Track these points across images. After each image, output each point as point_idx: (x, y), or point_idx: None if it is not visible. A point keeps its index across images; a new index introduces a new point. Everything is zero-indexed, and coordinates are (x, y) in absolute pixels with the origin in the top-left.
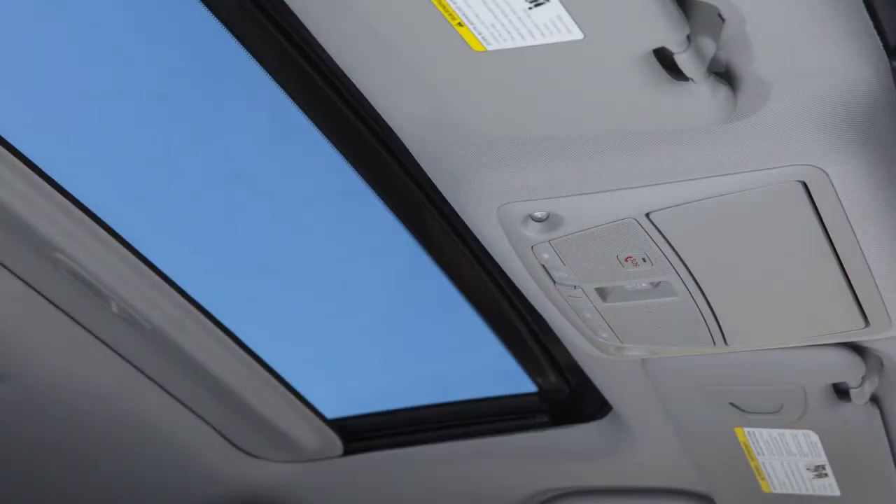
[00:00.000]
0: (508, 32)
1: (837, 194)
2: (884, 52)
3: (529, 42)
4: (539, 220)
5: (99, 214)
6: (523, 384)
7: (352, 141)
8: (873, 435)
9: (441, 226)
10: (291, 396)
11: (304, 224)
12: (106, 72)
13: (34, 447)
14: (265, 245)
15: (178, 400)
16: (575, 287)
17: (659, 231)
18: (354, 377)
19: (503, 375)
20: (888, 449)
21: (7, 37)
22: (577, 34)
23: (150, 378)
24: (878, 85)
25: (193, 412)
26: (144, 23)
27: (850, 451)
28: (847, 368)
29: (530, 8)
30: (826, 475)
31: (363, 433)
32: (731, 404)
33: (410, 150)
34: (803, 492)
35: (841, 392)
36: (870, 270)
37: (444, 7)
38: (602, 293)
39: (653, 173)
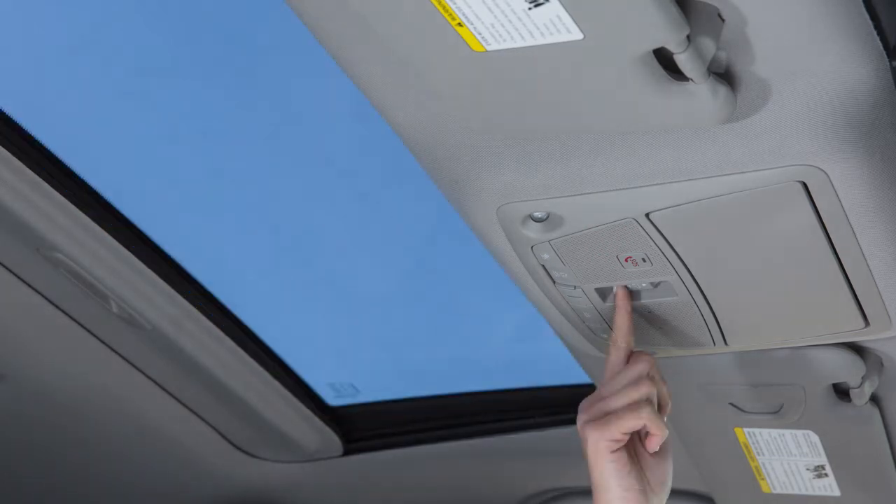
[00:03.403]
0: (508, 32)
1: (837, 194)
2: (884, 52)
3: (529, 42)
4: (539, 220)
5: (103, 203)
6: (523, 379)
7: None
8: (873, 435)
9: None
10: (291, 396)
11: (310, 215)
12: (109, 61)
13: (33, 447)
14: (270, 235)
15: (178, 400)
16: (575, 287)
17: (659, 231)
18: (357, 364)
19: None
20: (888, 449)
21: (8, 33)
22: (576, 34)
23: (150, 378)
24: (878, 85)
25: (193, 412)
26: (144, 17)
27: (850, 451)
28: (847, 368)
29: (530, 8)
30: (826, 475)
31: (363, 432)
32: (731, 404)
33: (410, 151)
34: (803, 492)
35: (841, 392)
36: (870, 271)
37: (443, 7)
38: (602, 293)
39: (653, 173)
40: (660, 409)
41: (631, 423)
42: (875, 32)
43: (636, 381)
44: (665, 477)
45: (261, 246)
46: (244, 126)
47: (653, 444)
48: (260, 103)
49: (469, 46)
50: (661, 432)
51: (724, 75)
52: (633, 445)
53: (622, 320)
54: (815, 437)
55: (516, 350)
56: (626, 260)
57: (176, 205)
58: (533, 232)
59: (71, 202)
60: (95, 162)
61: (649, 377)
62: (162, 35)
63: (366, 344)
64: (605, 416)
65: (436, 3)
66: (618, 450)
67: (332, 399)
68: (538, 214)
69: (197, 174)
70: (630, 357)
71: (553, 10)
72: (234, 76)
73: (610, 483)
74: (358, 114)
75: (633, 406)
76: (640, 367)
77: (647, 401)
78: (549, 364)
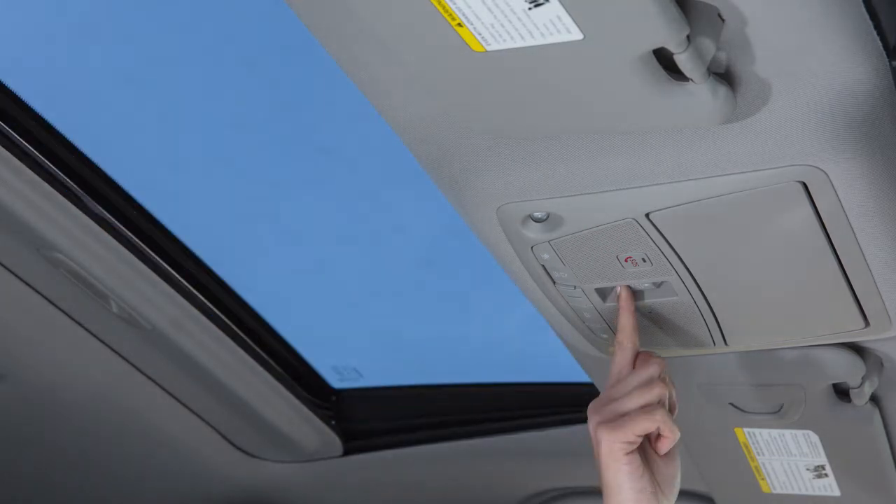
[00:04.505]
0: (508, 33)
1: (837, 194)
2: (884, 52)
3: (529, 42)
4: (539, 221)
5: (103, 203)
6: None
7: None
8: (873, 435)
9: None
10: (291, 396)
11: (310, 212)
12: (109, 61)
13: (33, 447)
14: (270, 234)
15: (178, 400)
16: (575, 287)
17: (659, 231)
18: (357, 361)
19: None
20: (888, 449)
21: (8, 32)
22: (576, 34)
23: (150, 378)
24: (878, 85)
25: (193, 412)
26: (144, 16)
27: (850, 451)
28: (847, 368)
29: (530, 8)
30: (826, 475)
31: (363, 423)
32: (731, 404)
33: (410, 151)
34: (803, 492)
35: (841, 392)
36: (870, 271)
37: (443, 7)
38: (602, 293)
39: (653, 173)
40: (669, 410)
41: (645, 424)
42: (875, 32)
43: (649, 383)
44: (674, 478)
45: (261, 245)
46: (244, 126)
47: (664, 447)
48: (260, 103)
49: (469, 46)
50: (673, 434)
51: (724, 75)
52: (643, 447)
53: (626, 320)
54: (815, 437)
55: (518, 347)
56: (626, 260)
57: (176, 204)
58: (533, 232)
59: (71, 202)
60: (95, 162)
61: (661, 379)
62: (162, 33)
63: (369, 337)
64: (619, 418)
65: (436, 3)
66: (631, 452)
67: (335, 382)
68: (538, 214)
69: (196, 174)
70: (637, 358)
71: (553, 10)
72: (235, 76)
73: (623, 485)
74: (358, 113)
75: (647, 408)
76: (652, 370)
77: (660, 403)
78: (550, 361)
